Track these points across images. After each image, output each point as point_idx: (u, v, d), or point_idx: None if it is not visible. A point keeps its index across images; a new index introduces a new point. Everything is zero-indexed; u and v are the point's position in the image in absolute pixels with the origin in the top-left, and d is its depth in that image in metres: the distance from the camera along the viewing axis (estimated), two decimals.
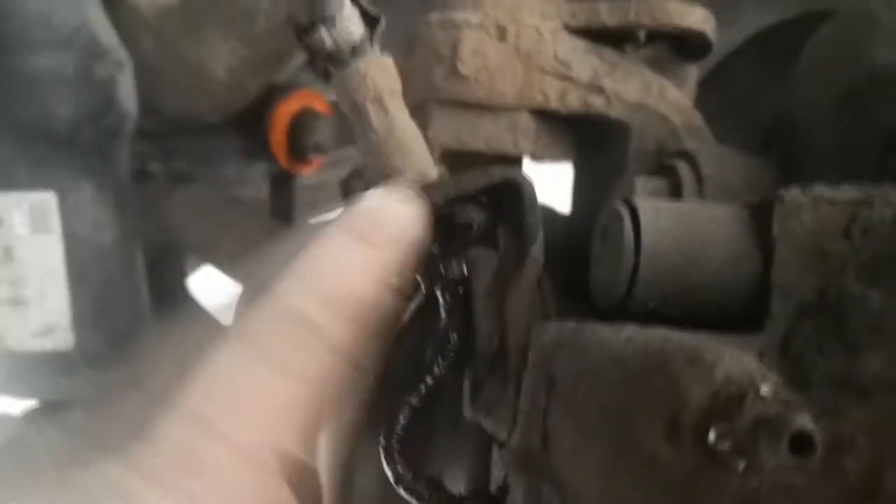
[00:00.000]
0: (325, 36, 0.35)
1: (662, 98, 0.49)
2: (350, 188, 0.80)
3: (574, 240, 0.54)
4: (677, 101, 0.49)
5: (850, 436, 0.23)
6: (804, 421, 0.20)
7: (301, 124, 0.79)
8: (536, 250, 0.35)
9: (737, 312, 0.30)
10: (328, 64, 0.36)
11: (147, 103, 0.68)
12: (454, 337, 0.37)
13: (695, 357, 0.24)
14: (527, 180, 0.36)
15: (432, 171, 0.37)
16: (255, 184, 0.91)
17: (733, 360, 0.23)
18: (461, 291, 0.37)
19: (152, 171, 0.76)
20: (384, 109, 0.36)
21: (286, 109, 0.78)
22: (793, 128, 0.42)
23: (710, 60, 0.55)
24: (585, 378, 0.29)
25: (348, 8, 0.35)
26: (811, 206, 0.29)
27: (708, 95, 0.58)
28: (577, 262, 0.45)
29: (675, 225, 0.31)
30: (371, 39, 0.36)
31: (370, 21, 0.36)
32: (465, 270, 0.37)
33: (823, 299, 0.28)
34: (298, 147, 0.80)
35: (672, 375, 0.24)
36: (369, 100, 0.36)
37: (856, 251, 0.28)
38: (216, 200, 0.75)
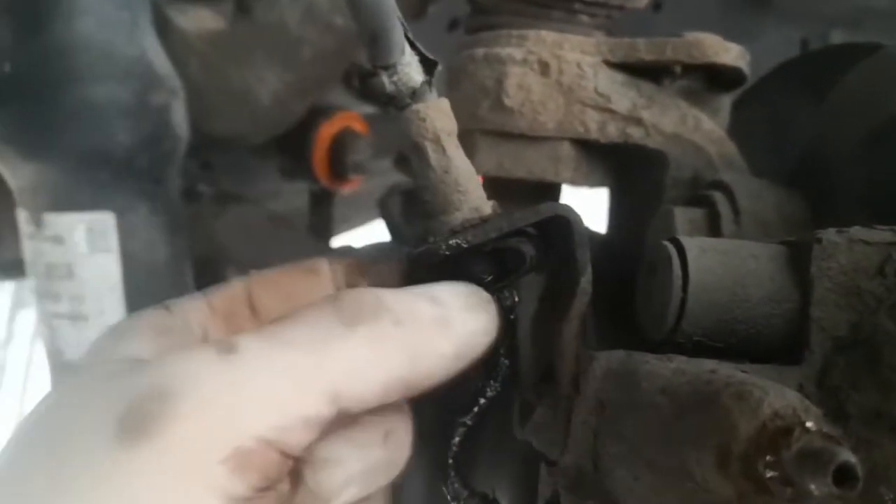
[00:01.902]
0: (386, 82, 0.38)
1: (698, 129, 0.51)
2: (387, 206, 0.83)
3: (610, 259, 0.56)
4: (712, 132, 0.51)
5: (884, 466, 0.25)
6: (847, 454, 0.23)
7: (341, 145, 0.82)
8: (586, 283, 0.37)
9: (776, 345, 0.33)
10: (390, 106, 0.39)
11: (194, 125, 0.71)
12: (504, 361, 0.39)
13: (743, 392, 0.26)
14: (576, 216, 0.38)
15: (486, 206, 0.39)
16: (293, 199, 0.94)
17: (778, 395, 0.25)
18: (511, 318, 0.39)
19: (200, 191, 0.79)
20: (442, 149, 0.38)
21: (327, 130, 0.81)
22: (822, 164, 0.44)
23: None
24: (635, 406, 0.31)
25: (408, 55, 0.38)
26: (847, 246, 0.31)
27: (741, 117, 0.60)
28: (613, 281, 0.48)
29: (718, 263, 0.33)
30: (429, 83, 0.39)
31: (428, 66, 0.39)
32: (516, 299, 0.39)
33: (858, 335, 0.30)
34: (339, 166, 0.82)
35: (722, 408, 0.26)
36: (428, 140, 0.38)
37: (889, 290, 0.30)
38: (261, 219, 0.78)
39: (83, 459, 0.27)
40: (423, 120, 0.38)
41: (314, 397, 0.30)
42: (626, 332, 0.40)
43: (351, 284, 0.40)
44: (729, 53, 0.50)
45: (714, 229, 0.44)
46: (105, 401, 0.29)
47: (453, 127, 0.39)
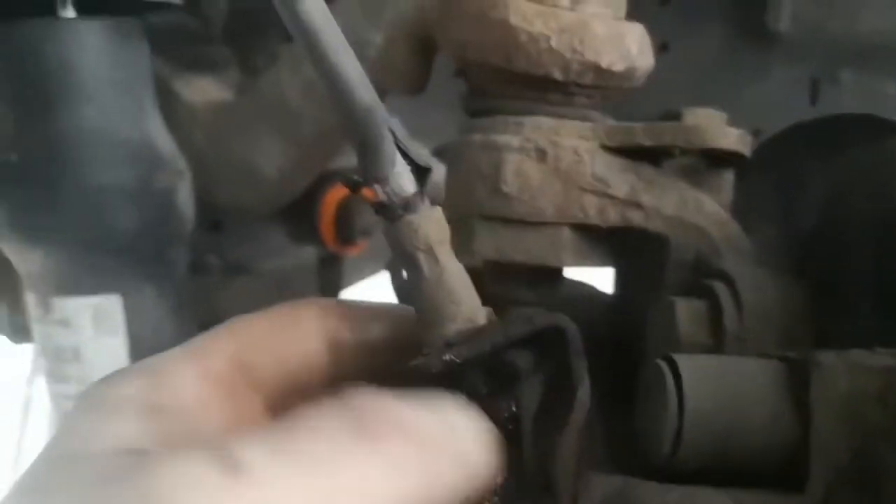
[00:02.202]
0: (378, 192, 0.38)
1: (699, 210, 0.51)
2: (396, 270, 0.83)
3: (616, 326, 0.56)
4: (714, 214, 0.51)
5: None
6: None
7: (348, 210, 0.82)
8: (583, 394, 0.37)
9: (777, 471, 0.32)
10: (380, 216, 0.38)
11: (200, 192, 0.72)
12: (504, 473, 0.39)
13: None
14: (571, 326, 0.37)
15: (481, 315, 0.39)
16: (300, 256, 0.94)
17: None
18: (510, 428, 0.39)
19: (209, 263, 0.79)
20: (435, 258, 0.38)
21: (333, 196, 0.82)
22: (829, 250, 0.44)
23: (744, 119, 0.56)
24: None
25: (400, 165, 0.38)
26: (847, 371, 0.31)
27: (748, 180, 0.59)
28: (617, 349, 0.47)
29: (716, 385, 0.32)
30: (421, 193, 0.38)
31: (420, 174, 0.38)
32: (514, 408, 0.39)
33: (860, 465, 0.30)
34: (346, 231, 0.83)
35: None
36: (420, 251, 0.38)
37: (890, 420, 0.30)
38: (268, 291, 0.78)
39: None
40: (416, 231, 0.38)
41: None
42: (629, 424, 0.40)
43: (338, 337, 0.37)
44: (728, 138, 0.49)
45: (716, 323, 0.43)
46: None
47: (446, 235, 0.39)
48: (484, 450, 0.34)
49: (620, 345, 0.53)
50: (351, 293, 1.07)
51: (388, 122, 0.38)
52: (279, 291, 0.79)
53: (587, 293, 0.63)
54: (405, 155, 0.39)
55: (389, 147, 0.38)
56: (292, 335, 0.37)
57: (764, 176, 0.63)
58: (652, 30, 0.54)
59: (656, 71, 0.58)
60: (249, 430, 0.29)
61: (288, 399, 0.36)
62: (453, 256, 0.40)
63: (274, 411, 0.36)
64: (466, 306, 0.39)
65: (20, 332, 0.93)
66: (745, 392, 0.32)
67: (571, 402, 0.37)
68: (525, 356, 0.38)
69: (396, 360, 0.38)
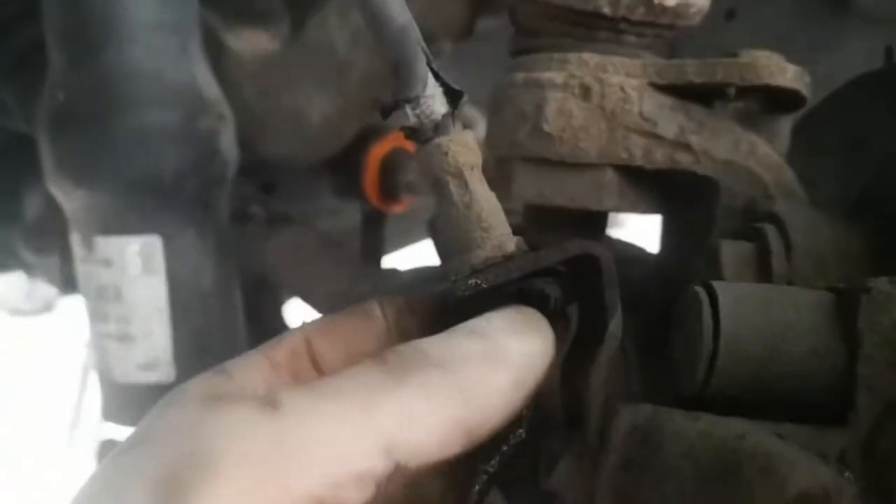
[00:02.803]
0: (409, 114, 0.36)
1: (752, 154, 0.48)
2: (437, 227, 0.82)
3: (661, 284, 0.53)
4: (768, 158, 0.48)
5: None
6: None
7: (393, 165, 0.81)
8: (615, 326, 0.35)
9: (819, 404, 0.30)
10: (411, 139, 0.37)
11: (247, 147, 0.72)
12: (531, 406, 0.37)
13: (768, 466, 0.23)
14: (605, 254, 0.36)
15: (511, 243, 0.37)
16: (345, 217, 0.94)
17: (808, 471, 0.23)
18: None
19: (253, 212, 0.80)
20: (465, 184, 0.37)
21: (379, 150, 0.81)
22: (888, 196, 0.41)
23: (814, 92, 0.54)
24: (657, 468, 0.29)
25: (431, 87, 0.36)
26: None
27: (812, 131, 0.56)
28: (663, 306, 0.45)
29: (755, 313, 0.30)
30: (453, 115, 0.37)
31: (453, 97, 0.37)
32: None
33: None
34: (390, 187, 0.82)
35: (745, 482, 0.24)
36: (450, 174, 0.37)
37: None
38: (312, 242, 0.78)
39: None
40: (446, 154, 0.37)
41: (366, 449, 0.28)
42: (668, 373, 0.38)
43: (402, 325, 0.38)
44: (784, 75, 0.46)
45: (764, 266, 0.41)
46: (139, 472, 0.27)
47: (477, 160, 0.37)
48: (529, 349, 0.33)
49: (666, 306, 0.51)
50: (395, 258, 1.06)
51: (421, 44, 0.37)
52: (323, 243, 0.79)
53: (633, 253, 0.61)
54: (437, 76, 0.37)
55: (422, 67, 0.37)
56: (360, 327, 0.38)
57: (828, 127, 0.60)
58: None
59: (723, 39, 0.55)
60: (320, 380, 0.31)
61: None
62: (484, 182, 0.38)
63: None
64: (496, 233, 0.37)
65: (71, 283, 0.95)
66: (787, 319, 0.30)
67: (603, 334, 0.35)
68: (556, 286, 0.37)
69: None
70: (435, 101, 0.37)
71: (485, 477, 0.37)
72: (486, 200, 0.37)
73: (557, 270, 0.37)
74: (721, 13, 1.00)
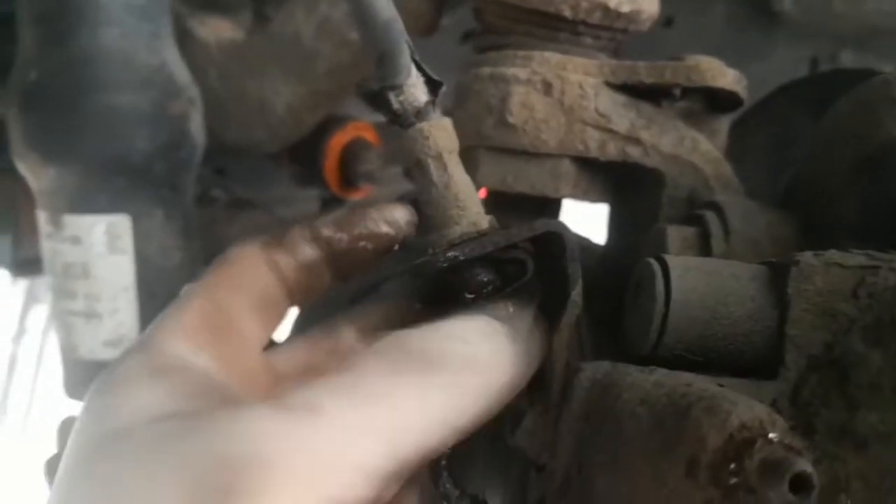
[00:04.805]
0: (392, 101, 0.40)
1: (695, 150, 0.53)
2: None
3: (608, 271, 0.58)
4: (709, 153, 0.53)
5: (846, 479, 0.27)
6: (804, 464, 0.24)
7: (353, 154, 0.84)
8: (576, 295, 0.39)
9: (755, 360, 0.34)
10: (395, 124, 0.41)
11: (209, 133, 0.73)
12: None
13: (713, 404, 0.28)
14: (569, 232, 0.40)
15: (484, 221, 0.41)
16: (305, 205, 0.96)
17: (746, 408, 0.27)
18: None
19: (215, 196, 0.81)
20: (444, 166, 0.40)
21: (339, 140, 0.84)
22: (814, 188, 0.46)
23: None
24: (617, 415, 0.33)
25: (414, 76, 0.40)
26: (823, 269, 0.33)
27: (743, 134, 0.61)
28: (611, 292, 0.49)
29: (701, 282, 0.35)
30: (433, 103, 0.41)
31: (433, 86, 0.41)
32: (510, 310, 0.41)
33: (830, 354, 0.32)
34: (350, 175, 0.85)
35: (693, 420, 0.28)
36: (431, 157, 0.40)
37: (861, 312, 0.32)
38: (271, 226, 0.80)
39: None
40: (427, 138, 0.40)
41: (384, 453, 0.30)
42: (618, 342, 0.42)
43: (280, 264, 0.40)
44: (726, 78, 0.51)
45: (705, 248, 0.46)
46: (177, 477, 0.27)
47: (454, 145, 0.41)
48: (506, 358, 0.36)
49: (614, 293, 0.55)
50: None
51: (405, 36, 0.40)
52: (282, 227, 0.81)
53: (582, 243, 0.66)
54: (419, 67, 0.41)
55: (406, 58, 0.40)
56: (247, 276, 0.39)
57: (759, 129, 0.65)
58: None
59: (660, 46, 0.60)
60: (316, 378, 0.32)
61: (268, 326, 0.40)
62: (461, 166, 0.42)
63: (261, 340, 0.39)
64: (471, 212, 0.41)
65: (21, 267, 0.95)
66: (729, 287, 0.34)
67: (565, 303, 0.39)
68: (525, 259, 0.40)
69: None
70: (417, 90, 0.40)
71: None
72: (462, 182, 0.41)
73: (524, 247, 0.41)
74: (660, 20, 1.06)
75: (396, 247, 0.43)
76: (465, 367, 0.34)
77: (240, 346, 0.38)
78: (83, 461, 0.30)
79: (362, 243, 0.41)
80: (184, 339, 0.35)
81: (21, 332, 2.18)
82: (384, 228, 0.42)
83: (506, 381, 0.35)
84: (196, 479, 0.27)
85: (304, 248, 0.41)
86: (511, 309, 0.39)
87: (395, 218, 0.42)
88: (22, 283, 2.05)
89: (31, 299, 2.15)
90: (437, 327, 0.36)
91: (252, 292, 0.38)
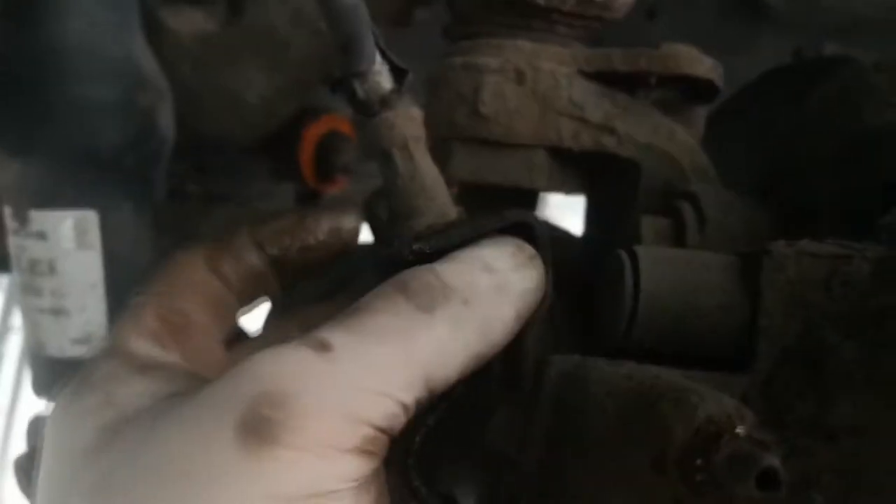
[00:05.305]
0: (357, 89, 0.39)
1: (671, 139, 0.52)
2: (372, 209, 0.84)
3: (585, 262, 0.57)
4: (685, 143, 0.52)
5: (817, 473, 0.26)
6: (771, 459, 0.23)
7: (328, 146, 0.83)
8: (548, 286, 0.38)
9: (726, 353, 0.33)
10: (359, 113, 0.40)
11: (183, 125, 0.72)
12: None
13: (681, 398, 0.27)
14: (539, 222, 0.39)
15: (452, 211, 0.40)
16: (281, 199, 0.95)
17: (714, 401, 0.26)
18: None
19: (189, 190, 0.80)
20: (410, 156, 0.39)
21: (314, 132, 0.82)
22: (793, 177, 0.45)
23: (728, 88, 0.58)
24: (585, 408, 0.32)
25: (379, 64, 0.39)
26: (795, 259, 0.32)
27: (722, 123, 0.60)
28: (587, 282, 0.48)
29: (671, 273, 0.34)
30: (399, 91, 0.40)
31: (398, 74, 0.40)
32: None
33: (803, 346, 0.31)
34: (325, 168, 0.83)
35: (660, 413, 0.27)
36: (396, 147, 0.39)
37: (834, 303, 0.31)
38: (247, 219, 0.79)
39: (212, 474, 0.28)
40: (391, 128, 0.39)
41: (411, 382, 0.31)
42: (593, 336, 0.41)
43: (220, 269, 0.43)
44: (702, 66, 0.50)
45: (679, 239, 0.45)
46: (215, 413, 0.29)
47: (421, 134, 0.40)
48: (530, 284, 0.36)
49: (589, 284, 0.54)
50: None
51: (370, 23, 0.39)
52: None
53: (560, 235, 0.65)
54: (384, 55, 0.40)
55: (370, 44, 0.39)
56: (193, 280, 0.42)
57: (736, 117, 0.65)
58: None
59: (643, 39, 0.59)
60: (326, 319, 0.33)
61: (223, 324, 0.42)
62: (427, 155, 0.41)
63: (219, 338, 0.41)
64: (438, 202, 0.40)
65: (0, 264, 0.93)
66: (699, 278, 0.34)
67: None
68: None
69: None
70: (382, 78, 0.39)
71: (424, 430, 0.40)
72: (429, 172, 0.40)
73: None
74: (642, 13, 1.05)
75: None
76: (495, 297, 0.34)
77: (202, 344, 0.39)
78: (85, 457, 0.31)
79: (305, 252, 0.43)
80: (150, 341, 0.37)
81: (4, 330, 2.16)
82: (326, 238, 0.43)
83: (530, 306, 0.36)
84: (238, 421, 0.28)
85: (249, 255, 0.43)
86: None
87: (336, 227, 0.43)
88: (4, 281, 2.03)
89: (13, 297, 2.13)
90: (463, 257, 0.36)
91: (201, 295, 0.40)
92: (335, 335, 0.31)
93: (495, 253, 0.36)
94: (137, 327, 0.38)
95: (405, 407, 0.31)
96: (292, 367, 0.30)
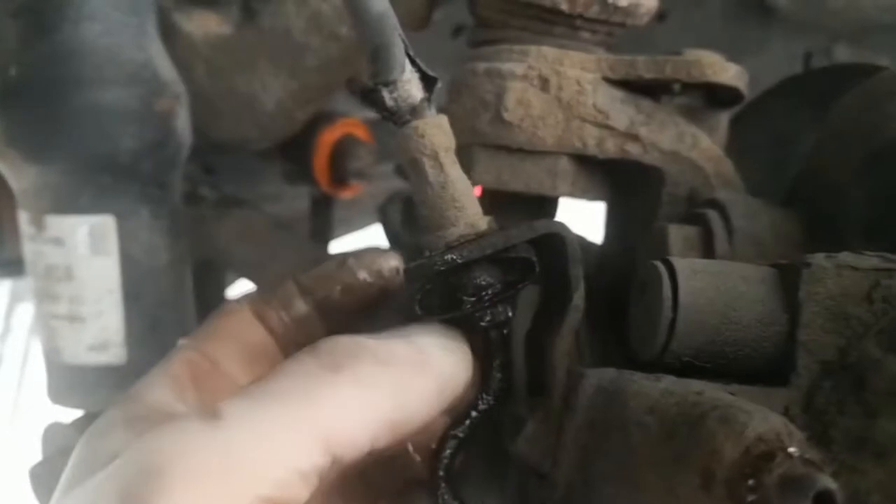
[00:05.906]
0: (386, 98, 0.38)
1: (695, 146, 0.52)
2: (387, 213, 0.84)
3: (605, 271, 0.57)
4: (709, 150, 0.52)
5: (866, 492, 0.26)
6: (827, 481, 0.23)
7: (343, 151, 0.83)
8: (579, 299, 0.38)
9: (765, 367, 0.33)
10: (389, 122, 0.39)
11: (198, 129, 0.72)
12: (497, 375, 0.40)
13: (728, 415, 0.26)
14: (570, 233, 0.39)
15: (483, 222, 0.40)
16: (295, 202, 0.95)
17: (763, 419, 0.26)
18: (505, 333, 0.40)
19: (203, 194, 0.80)
20: (440, 165, 0.39)
21: (329, 136, 0.82)
22: (820, 185, 0.45)
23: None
24: (623, 424, 0.32)
25: (408, 72, 0.38)
26: (836, 272, 0.32)
27: (742, 131, 0.60)
28: (606, 293, 0.48)
29: (709, 285, 0.33)
30: (429, 100, 0.39)
31: (428, 83, 0.39)
32: (510, 314, 0.40)
33: (845, 360, 0.31)
34: (340, 172, 0.83)
35: (707, 431, 0.27)
36: (426, 156, 0.39)
37: (876, 317, 0.31)
38: (262, 223, 0.79)
39: None
40: (422, 136, 0.39)
41: (307, 447, 0.30)
42: (619, 347, 0.41)
43: (270, 323, 0.42)
44: (727, 73, 0.50)
45: (707, 248, 0.44)
46: (104, 491, 0.29)
47: (451, 143, 0.40)
48: (453, 364, 0.36)
49: (611, 293, 0.54)
50: (342, 244, 1.08)
51: (399, 31, 0.39)
52: (273, 226, 0.79)
53: (583, 244, 0.64)
54: (414, 63, 0.39)
55: (400, 53, 0.38)
56: (236, 328, 0.41)
57: (758, 125, 0.64)
58: None
59: (653, 41, 0.59)
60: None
61: (257, 374, 0.40)
62: (457, 164, 0.40)
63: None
64: (469, 212, 0.40)
65: (5, 267, 0.93)
66: (738, 291, 0.33)
67: (567, 306, 0.38)
68: (530, 257, 0.39)
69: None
70: (412, 86, 0.39)
71: (454, 442, 0.39)
72: (459, 181, 0.40)
73: (524, 248, 0.40)
74: (654, 14, 1.05)
75: None
76: (412, 368, 0.34)
77: (224, 391, 0.38)
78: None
79: (348, 293, 0.43)
80: (167, 388, 0.37)
81: (6, 331, 2.16)
82: (368, 277, 0.43)
83: (452, 386, 0.36)
84: (118, 499, 0.28)
85: (296, 302, 0.42)
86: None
87: (377, 268, 0.43)
88: (6, 283, 2.03)
89: (15, 298, 2.13)
90: (388, 332, 0.36)
91: (240, 343, 0.40)
92: (232, 403, 0.30)
93: (422, 331, 0.36)
94: (163, 372, 0.38)
95: (303, 474, 0.30)
96: (174, 440, 0.29)
